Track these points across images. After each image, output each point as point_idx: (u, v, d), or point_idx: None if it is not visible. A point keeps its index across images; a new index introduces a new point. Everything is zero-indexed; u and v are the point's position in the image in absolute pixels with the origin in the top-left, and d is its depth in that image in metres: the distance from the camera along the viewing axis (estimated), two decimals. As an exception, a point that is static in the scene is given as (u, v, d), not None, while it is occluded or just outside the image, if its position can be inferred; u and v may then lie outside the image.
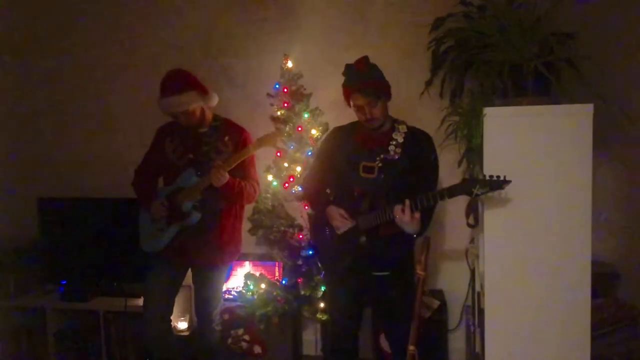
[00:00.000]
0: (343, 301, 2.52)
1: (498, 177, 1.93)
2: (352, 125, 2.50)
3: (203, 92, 2.63)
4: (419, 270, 2.34)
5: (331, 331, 2.68)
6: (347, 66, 2.37)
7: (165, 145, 2.74)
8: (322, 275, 2.99)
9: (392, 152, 2.34)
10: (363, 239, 2.33)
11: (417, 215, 2.17)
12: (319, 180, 2.55)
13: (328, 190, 2.57)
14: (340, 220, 2.37)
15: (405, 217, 2.15)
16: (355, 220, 2.35)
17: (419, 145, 2.37)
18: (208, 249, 2.69)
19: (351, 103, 2.36)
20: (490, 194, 1.98)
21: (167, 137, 2.76)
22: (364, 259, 2.36)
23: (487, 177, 1.95)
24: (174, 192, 2.68)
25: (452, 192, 2.06)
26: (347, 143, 2.44)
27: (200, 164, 2.67)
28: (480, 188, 1.95)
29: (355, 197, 2.37)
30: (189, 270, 2.84)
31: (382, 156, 2.34)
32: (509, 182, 1.92)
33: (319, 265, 2.93)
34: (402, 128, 2.39)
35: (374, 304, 2.64)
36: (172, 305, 2.80)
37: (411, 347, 2.30)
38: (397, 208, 2.17)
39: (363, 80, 2.29)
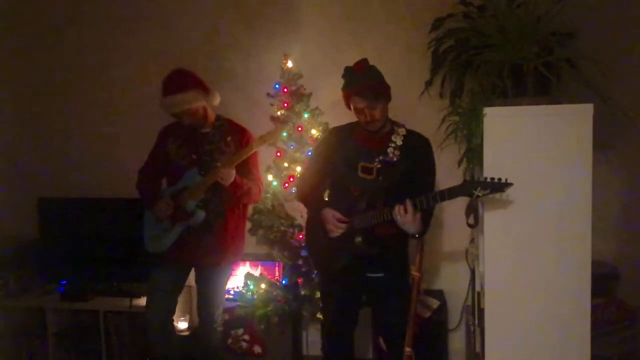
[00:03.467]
0: (337, 302, 2.52)
1: (499, 179, 1.92)
2: (351, 126, 2.49)
3: (205, 90, 2.63)
4: (414, 272, 2.34)
5: (327, 331, 2.68)
6: (346, 69, 2.36)
7: (168, 146, 2.75)
8: (314, 275, 2.98)
9: (390, 154, 2.34)
10: (359, 239, 2.33)
11: (418, 215, 2.17)
12: (313, 180, 2.55)
13: (327, 193, 2.57)
14: (334, 224, 2.36)
15: (407, 217, 2.15)
16: (351, 219, 2.35)
17: (418, 148, 2.37)
18: (212, 249, 2.69)
19: (351, 106, 2.36)
20: (490, 196, 1.98)
21: (169, 138, 2.76)
22: (358, 260, 2.36)
23: (489, 179, 1.94)
24: (178, 192, 2.68)
25: (453, 193, 2.06)
26: (345, 143, 2.44)
27: (203, 163, 2.67)
28: (481, 190, 1.94)
29: (353, 197, 2.37)
30: (191, 270, 2.84)
31: (380, 158, 2.34)
32: (510, 184, 1.92)
33: (312, 264, 2.92)
34: (401, 131, 2.38)
35: (371, 305, 2.64)
36: (175, 305, 2.80)
37: (407, 349, 2.30)
38: (398, 208, 2.17)
39: (362, 83, 2.29)
